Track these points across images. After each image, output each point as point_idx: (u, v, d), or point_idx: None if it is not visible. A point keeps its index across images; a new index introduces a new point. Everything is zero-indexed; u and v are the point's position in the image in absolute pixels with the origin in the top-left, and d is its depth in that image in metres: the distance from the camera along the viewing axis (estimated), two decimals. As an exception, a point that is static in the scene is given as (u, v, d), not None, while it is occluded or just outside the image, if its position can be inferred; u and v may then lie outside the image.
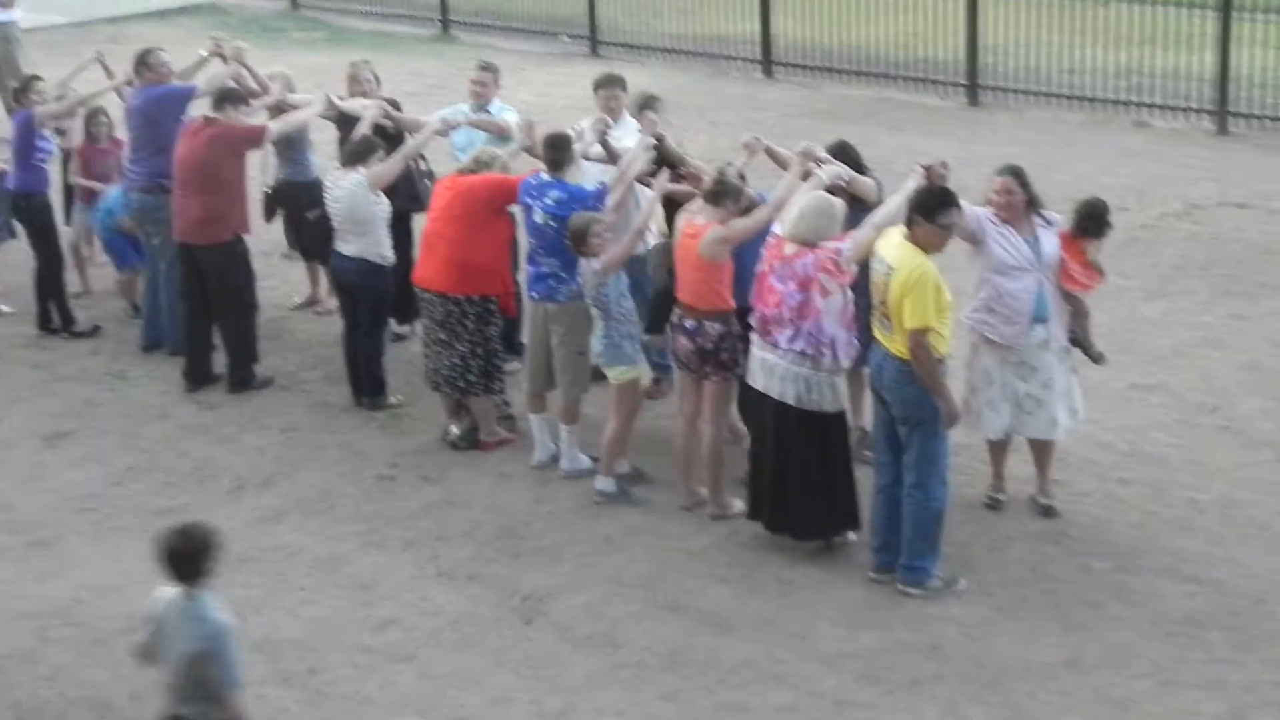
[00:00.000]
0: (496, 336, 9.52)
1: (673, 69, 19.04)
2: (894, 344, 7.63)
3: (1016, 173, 8.35)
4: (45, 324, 11.53)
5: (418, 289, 9.65)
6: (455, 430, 9.61)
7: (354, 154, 9.89)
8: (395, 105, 10.99)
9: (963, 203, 8.04)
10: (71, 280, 11.97)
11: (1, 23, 17.27)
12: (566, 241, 8.86)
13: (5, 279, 12.18)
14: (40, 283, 11.53)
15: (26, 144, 11.29)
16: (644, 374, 9.11)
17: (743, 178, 8.51)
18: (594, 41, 20.24)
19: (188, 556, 5.76)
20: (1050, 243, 8.30)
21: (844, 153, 8.89)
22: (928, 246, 7.58)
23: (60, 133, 11.99)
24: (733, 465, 8.58)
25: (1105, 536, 8.31)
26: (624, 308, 8.69)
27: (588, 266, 8.63)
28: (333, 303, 11.31)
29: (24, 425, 10.08)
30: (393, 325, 10.75)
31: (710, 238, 8.28)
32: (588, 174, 9.46)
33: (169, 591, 5.82)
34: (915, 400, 7.63)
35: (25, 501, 9.07)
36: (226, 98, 10.44)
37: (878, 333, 7.79)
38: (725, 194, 8.33)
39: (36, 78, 11.79)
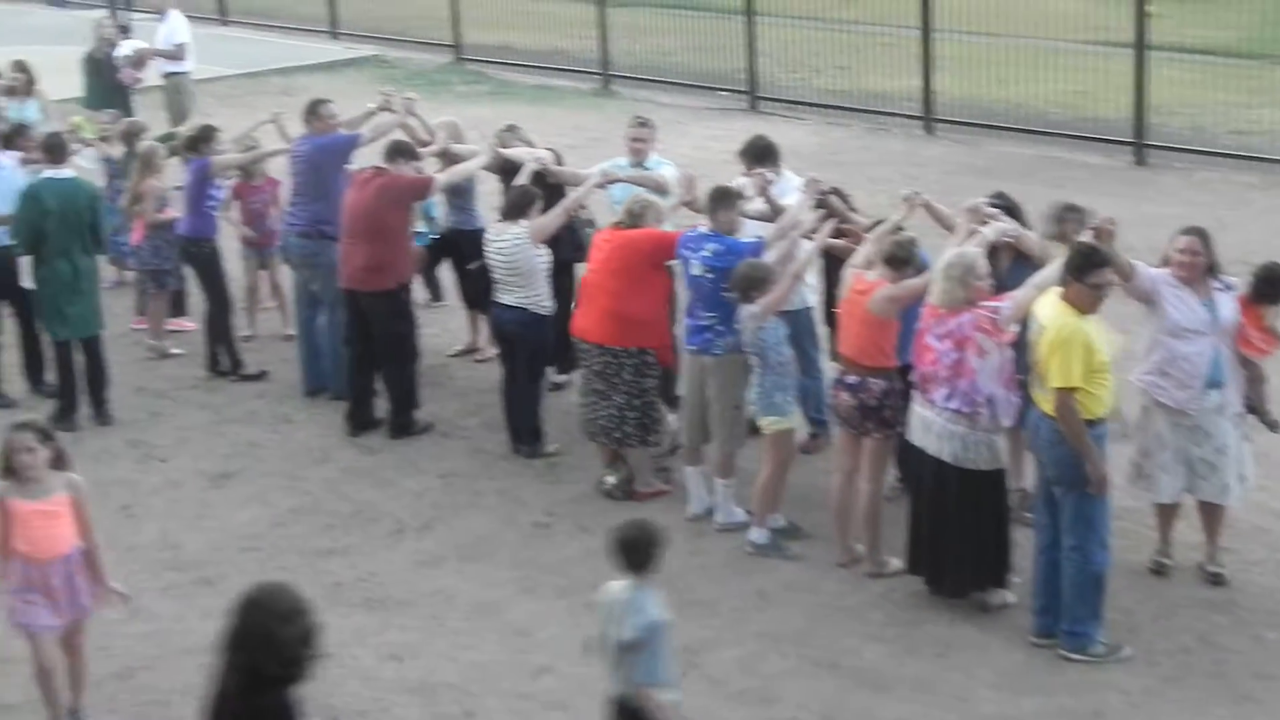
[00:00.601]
0: (654, 388, 9.55)
1: (831, 125, 19.02)
2: (1047, 403, 7.54)
3: (1201, 234, 8.19)
4: (214, 366, 11.79)
5: (576, 339, 9.73)
6: (611, 480, 9.64)
7: (515, 206, 10.01)
8: (557, 158, 11.12)
9: (1138, 263, 7.93)
10: (240, 324, 12.23)
11: (173, 73, 17.73)
12: (724, 294, 8.91)
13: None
14: (210, 326, 11.81)
15: (200, 191, 11.60)
16: (797, 425, 9.07)
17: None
18: (753, 97, 20.30)
19: (639, 546, 6.14)
20: (1228, 307, 8.13)
21: (1004, 206, 8.82)
22: (1080, 306, 7.48)
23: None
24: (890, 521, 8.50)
25: (1277, 607, 8.08)
26: (781, 356, 8.68)
27: (746, 312, 8.65)
28: (492, 351, 11.44)
29: (191, 465, 10.31)
30: (551, 374, 10.85)
31: (881, 295, 8.27)
32: (746, 230, 9.48)
33: (617, 584, 6.18)
34: (1067, 461, 7.52)
35: (192, 540, 9.26)
36: (399, 152, 10.64)
37: (1034, 392, 7.70)
38: (908, 263, 8.33)
39: (214, 128, 12.09)
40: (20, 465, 6.98)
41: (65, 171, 10.89)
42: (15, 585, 7.12)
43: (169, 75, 17.64)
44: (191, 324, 12.44)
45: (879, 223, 9.03)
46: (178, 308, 12.56)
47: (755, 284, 8.63)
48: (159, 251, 11.98)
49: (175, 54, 17.55)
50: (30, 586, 7.08)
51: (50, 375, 11.17)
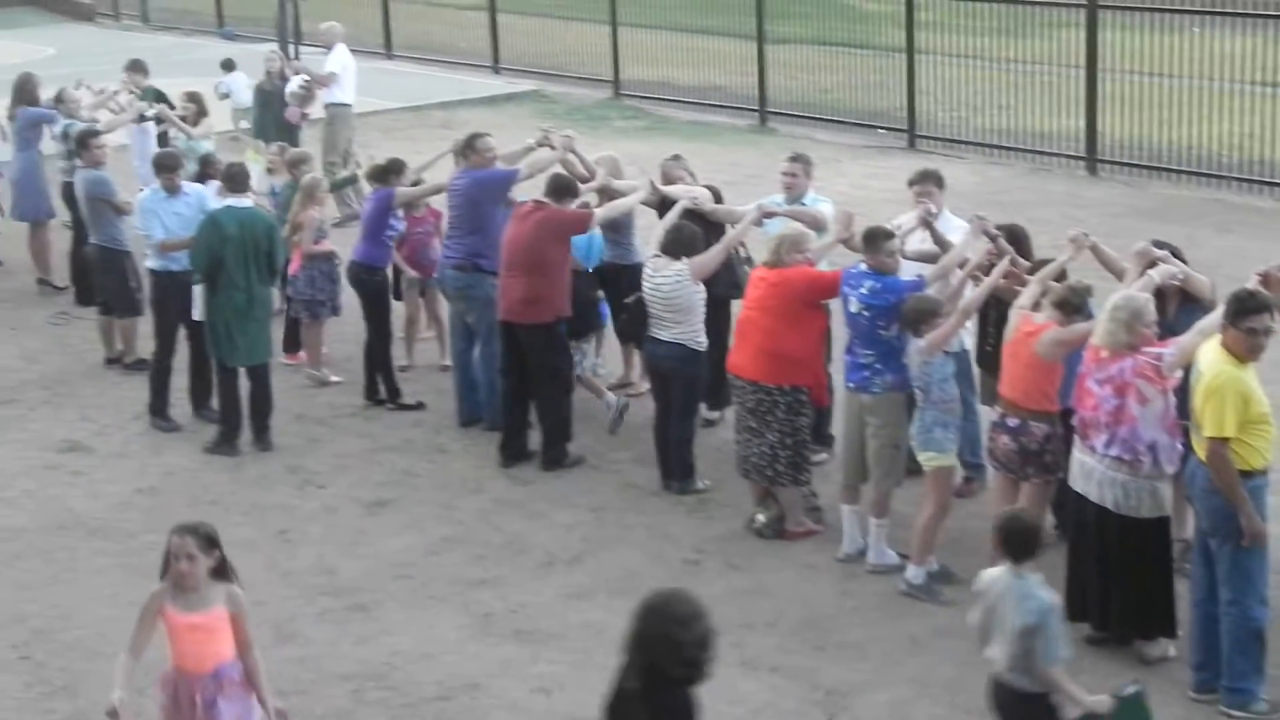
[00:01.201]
0: (806, 427, 9.49)
1: (992, 164, 18.83)
2: (1203, 451, 7.36)
3: None
4: (372, 395, 11.96)
5: (730, 375, 9.72)
6: (762, 518, 9.59)
7: (677, 243, 10.01)
8: (716, 194, 11.13)
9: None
10: (399, 354, 12.40)
11: (333, 104, 18.04)
12: (881, 332, 8.84)
13: (335, 350, 12.70)
14: (370, 355, 11.98)
15: (381, 221, 11.79)
16: (955, 466, 8.97)
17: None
18: (911, 135, 20.16)
19: (1023, 537, 6.43)
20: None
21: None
22: (1238, 353, 7.29)
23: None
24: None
25: None
26: (946, 393, 8.60)
27: (914, 346, 8.57)
28: (644, 385, 11.47)
29: (347, 492, 10.45)
30: (704, 410, 10.83)
31: (1049, 338, 8.16)
32: (905, 270, 9.40)
33: (995, 572, 6.50)
34: (1222, 512, 7.34)
35: (347, 566, 9.38)
36: (560, 189, 10.72)
37: (1193, 438, 7.53)
38: (1080, 310, 8.21)
39: (403, 161, 12.27)
40: (178, 574, 6.42)
41: (244, 201, 11.15)
42: (159, 693, 6.63)
43: (328, 106, 17.97)
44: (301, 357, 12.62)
45: (1042, 264, 8.90)
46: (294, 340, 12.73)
47: (923, 317, 8.59)
48: (314, 282, 12.20)
49: (326, 80, 17.86)
50: (173, 699, 6.52)
51: (215, 401, 11.40)
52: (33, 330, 13.93)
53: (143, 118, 15.29)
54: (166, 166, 11.85)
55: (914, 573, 8.75)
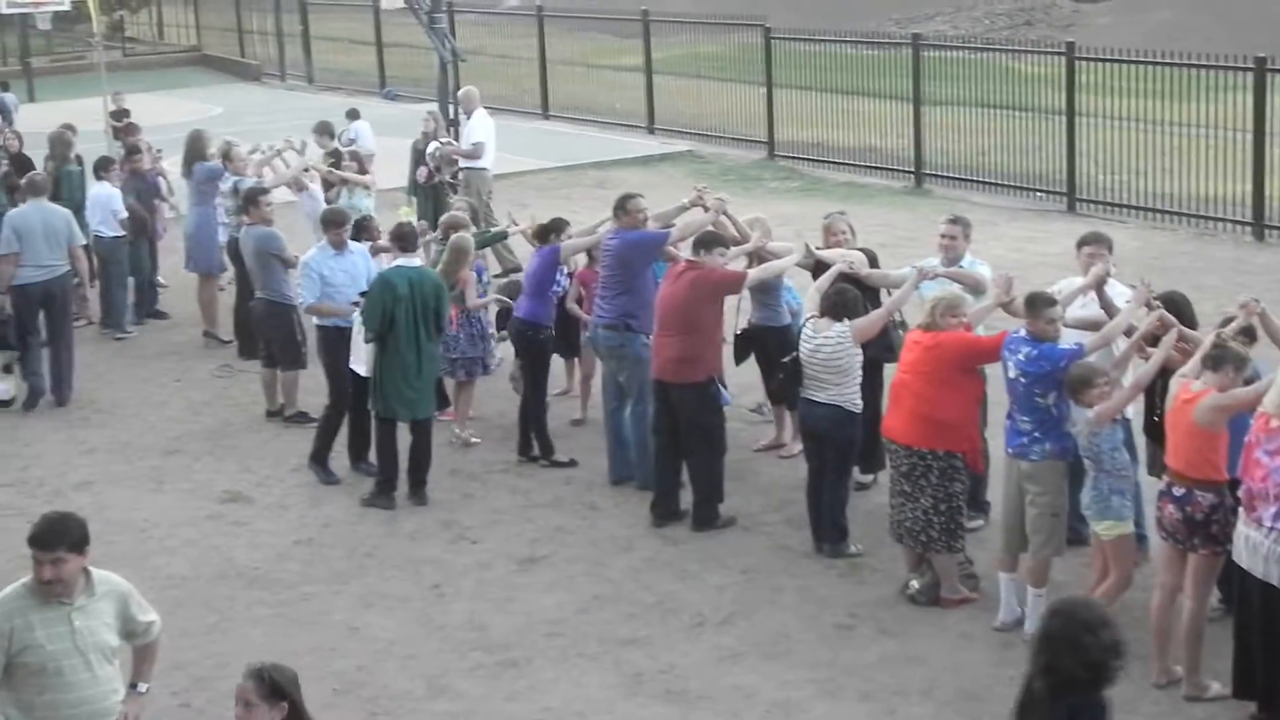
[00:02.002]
0: (961, 493, 9.36)
1: (1154, 229, 18.52)
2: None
3: None
4: (525, 451, 12.04)
5: (885, 439, 9.63)
6: (916, 584, 9.47)
7: (840, 305, 9.96)
8: (871, 257, 11.07)
9: None
10: (574, 409, 12.52)
11: (470, 168, 18.18)
12: (1038, 399, 8.71)
13: (488, 406, 12.81)
14: (523, 411, 12.07)
15: (547, 277, 11.92)
16: (1134, 533, 8.78)
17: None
18: (1071, 198, 19.91)
19: None
20: None
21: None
22: None
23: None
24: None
25: None
26: (1118, 461, 8.45)
27: (1081, 415, 8.43)
28: (797, 447, 11.41)
29: (499, 548, 10.52)
30: (857, 474, 10.74)
31: (1207, 404, 7.96)
32: (1065, 336, 9.26)
33: None
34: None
35: (498, 622, 9.43)
36: (707, 242, 10.75)
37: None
38: (1225, 359, 8.00)
39: (565, 220, 12.41)
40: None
41: (414, 260, 11.33)
42: None
43: (465, 169, 18.16)
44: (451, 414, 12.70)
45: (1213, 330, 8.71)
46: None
47: (1085, 385, 8.43)
48: (474, 341, 12.33)
49: (473, 153, 18.07)
50: None
51: (372, 455, 11.56)
52: (197, 382, 14.27)
53: (300, 183, 15.63)
54: (334, 223, 12.12)
55: None
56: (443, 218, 13.82)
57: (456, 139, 18.91)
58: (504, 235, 13.30)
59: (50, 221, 13.82)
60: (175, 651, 8.99)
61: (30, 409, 13.73)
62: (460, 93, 19.61)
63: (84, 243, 14.29)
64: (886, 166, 22.55)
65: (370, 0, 31.29)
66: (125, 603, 6.47)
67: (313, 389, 12.61)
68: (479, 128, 18.30)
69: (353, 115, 21.25)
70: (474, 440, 12.42)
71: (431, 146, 17.65)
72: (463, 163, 18.07)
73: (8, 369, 14.09)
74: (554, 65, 29.26)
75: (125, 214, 15.41)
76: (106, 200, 15.45)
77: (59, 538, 6.20)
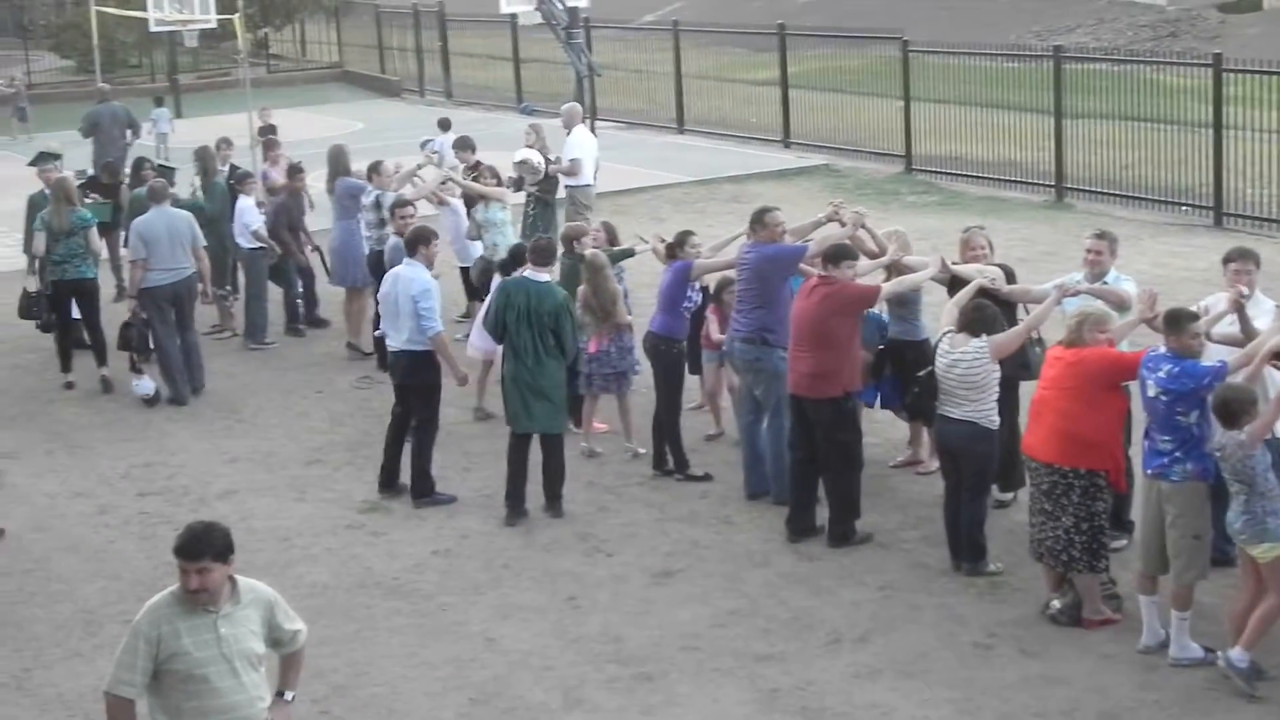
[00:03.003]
0: (1104, 512, 9.20)
1: (1304, 243, 18.10)
2: None
3: None
4: (660, 465, 12.05)
5: (1025, 457, 9.51)
6: (1057, 604, 9.32)
7: (978, 321, 9.86)
8: (1008, 273, 10.94)
9: None
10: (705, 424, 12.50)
11: (572, 186, 18.21)
12: (1179, 418, 8.54)
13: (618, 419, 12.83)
14: (658, 425, 12.08)
15: (679, 292, 11.92)
16: None
17: None
18: (1218, 212, 19.51)
19: None
20: None
21: None
22: None
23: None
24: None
25: None
26: (1270, 482, 8.25)
27: (1231, 439, 8.25)
28: (934, 464, 11.30)
29: (635, 561, 10.53)
30: (995, 492, 10.61)
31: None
32: (1210, 352, 9.07)
33: None
34: None
35: (634, 635, 9.44)
36: (838, 255, 10.68)
37: None
38: None
39: (692, 232, 12.42)
40: None
41: (543, 275, 11.35)
42: None
43: (568, 188, 18.20)
44: (604, 426, 12.77)
45: None
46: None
47: (1242, 410, 8.23)
48: (624, 353, 12.35)
49: (571, 169, 18.10)
50: None
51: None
52: (339, 394, 14.48)
53: (441, 199, 15.80)
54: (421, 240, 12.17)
55: (1239, 655, 8.35)
56: (564, 228, 13.87)
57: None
58: (630, 253, 13.34)
59: (174, 225, 14.41)
60: (316, 659, 9.09)
61: (152, 405, 14.28)
62: (563, 109, 19.70)
63: (204, 244, 14.78)
64: (1027, 180, 22.28)
65: (508, 16, 31.58)
66: (271, 610, 6.57)
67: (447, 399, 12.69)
68: (576, 144, 18.36)
69: (444, 125, 21.47)
70: (640, 450, 12.36)
71: (519, 155, 17.64)
72: (564, 180, 18.05)
73: (137, 369, 14.53)
74: (689, 79, 29.31)
75: (256, 227, 15.76)
76: (238, 214, 15.84)
77: (204, 547, 6.30)
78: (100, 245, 15.18)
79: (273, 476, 12.48)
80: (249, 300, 16.25)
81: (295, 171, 16.64)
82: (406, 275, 11.64)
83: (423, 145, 20.90)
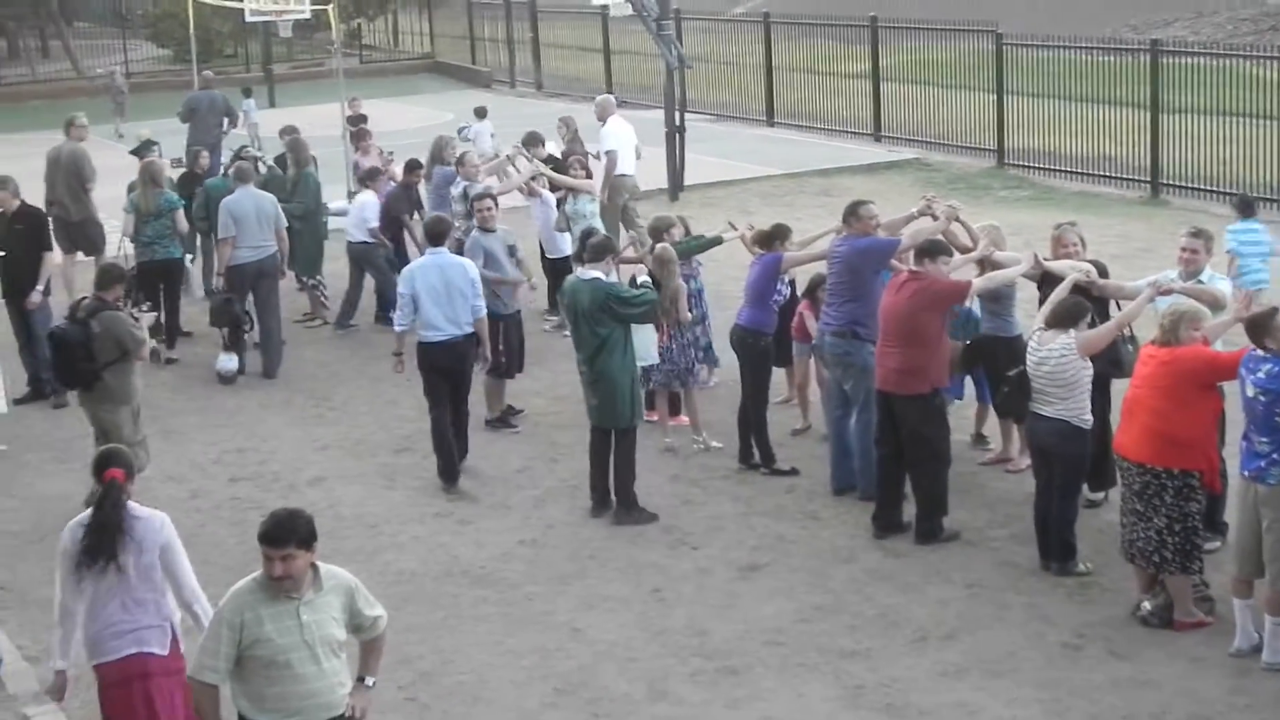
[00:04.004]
0: (1197, 513, 9.08)
1: None
2: None
3: None
4: (746, 459, 12.03)
5: (1117, 456, 9.40)
6: (1148, 606, 9.20)
7: (1063, 316, 9.77)
8: (1101, 269, 10.81)
9: None
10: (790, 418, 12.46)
11: (616, 177, 18.13)
12: (1277, 419, 8.42)
13: (707, 413, 12.80)
14: (743, 418, 12.05)
15: (768, 286, 11.88)
16: None
17: None
18: (1317, 209, 19.18)
19: None
20: None
21: None
22: None
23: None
24: None
25: None
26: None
27: None
28: (1024, 462, 11.20)
29: (721, 555, 10.52)
30: (1086, 491, 10.50)
31: None
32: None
33: None
34: None
35: (719, 628, 9.43)
36: (930, 250, 10.61)
37: None
38: None
39: (787, 226, 12.33)
40: None
41: (592, 271, 11.28)
42: None
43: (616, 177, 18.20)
44: (684, 419, 12.75)
45: None
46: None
47: None
48: (685, 350, 12.36)
49: (608, 162, 18.09)
50: None
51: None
52: (427, 382, 14.56)
53: (532, 190, 15.84)
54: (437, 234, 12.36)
55: None
56: (652, 219, 13.87)
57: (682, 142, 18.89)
58: (719, 241, 13.28)
59: (261, 205, 14.94)
60: (402, 646, 9.19)
61: (229, 383, 14.70)
62: (598, 100, 19.78)
63: (286, 225, 15.18)
64: (1121, 176, 22.00)
65: (599, 8, 31.61)
66: (352, 597, 6.60)
67: (515, 391, 12.75)
68: (611, 135, 18.39)
69: (480, 114, 21.48)
70: (714, 444, 12.35)
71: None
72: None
73: (229, 346, 14.86)
74: (779, 72, 29.20)
75: (375, 224, 15.89)
76: (360, 208, 16.00)
77: (288, 534, 6.35)
78: (185, 226, 15.48)
79: (362, 464, 12.59)
80: (351, 288, 16.43)
81: (414, 167, 16.71)
82: (453, 262, 12.04)
83: (459, 131, 21.01)
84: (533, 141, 17.02)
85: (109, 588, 7.20)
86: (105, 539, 7.14)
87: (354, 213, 16.23)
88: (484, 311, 12.05)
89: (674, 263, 12.11)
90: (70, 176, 16.89)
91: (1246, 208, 14.54)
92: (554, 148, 17.57)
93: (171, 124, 23.70)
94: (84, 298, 11.56)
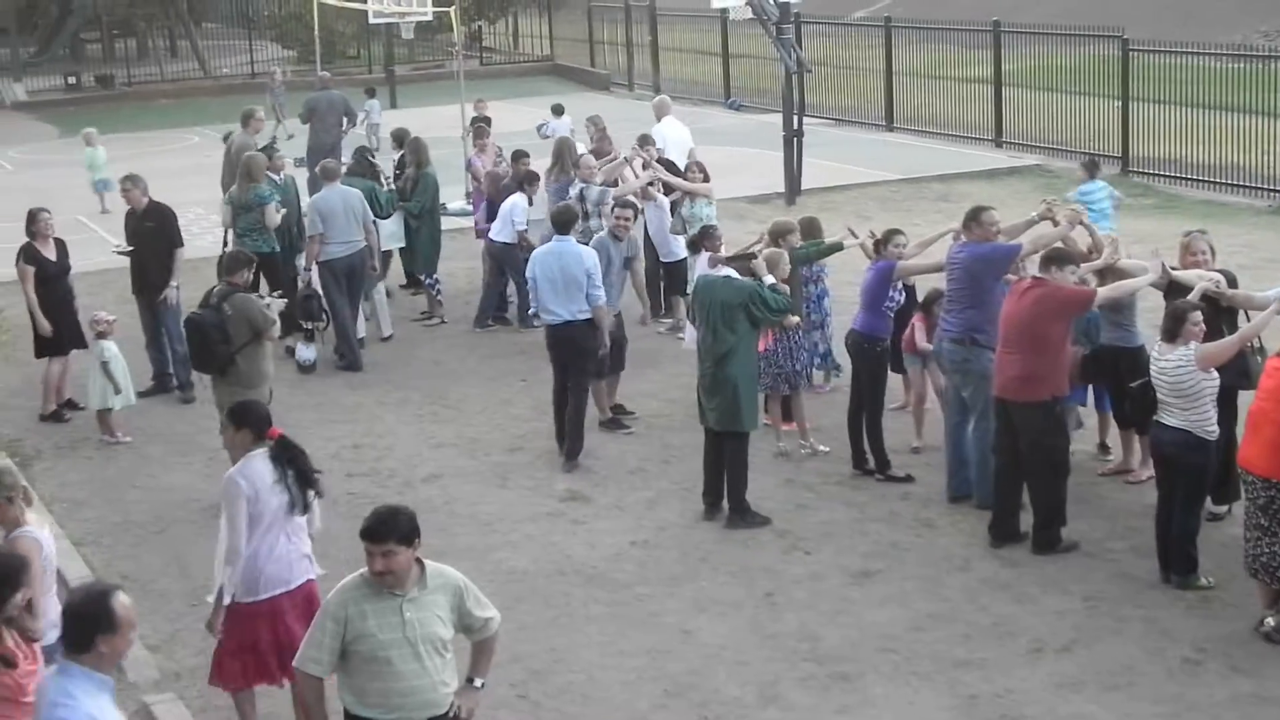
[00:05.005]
0: (1324, 529, 8.88)
1: None
2: None
3: None
4: (859, 464, 11.94)
5: (1241, 470, 9.21)
6: (1272, 622, 9.01)
7: (1170, 329, 9.60)
8: (1230, 279, 10.61)
9: None
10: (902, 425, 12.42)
11: None
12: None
13: (827, 418, 12.74)
14: (854, 423, 11.94)
15: (881, 291, 11.81)
16: None
17: None
18: None
19: None
20: None
21: None
22: None
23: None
24: None
25: None
26: None
27: None
28: (1145, 473, 11.02)
29: (833, 560, 10.45)
30: (1209, 505, 10.30)
31: None
32: None
33: None
34: None
35: (830, 634, 9.37)
36: (1058, 259, 10.47)
37: None
38: None
39: (898, 231, 12.26)
40: None
41: (721, 271, 11.26)
42: None
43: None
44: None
45: None
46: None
47: None
48: (792, 354, 12.29)
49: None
50: None
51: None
52: (543, 383, 14.53)
53: (649, 193, 15.84)
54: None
55: None
56: (772, 224, 13.82)
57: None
58: (839, 247, 13.20)
59: (349, 202, 15.22)
60: (514, 644, 9.24)
61: (308, 372, 15.10)
62: (654, 101, 19.81)
63: (373, 219, 15.44)
64: (1250, 185, 21.58)
65: (719, 11, 31.56)
66: (460, 596, 6.59)
67: (628, 393, 12.71)
68: (658, 135, 18.25)
69: (557, 111, 21.27)
70: (821, 449, 12.31)
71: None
72: None
73: (310, 337, 15.15)
74: (900, 76, 28.99)
75: (524, 227, 15.92)
76: (509, 210, 16.06)
77: (389, 530, 6.38)
78: (276, 220, 15.59)
79: (476, 462, 12.67)
80: (488, 286, 16.53)
81: (533, 178, 16.71)
82: (572, 250, 12.47)
83: (538, 129, 21.01)
84: (645, 142, 17.03)
85: (279, 526, 7.96)
86: (304, 488, 8.01)
87: (503, 213, 16.22)
88: (601, 300, 12.34)
89: (783, 265, 12.08)
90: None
91: (1093, 168, 16.82)
92: (582, 147, 17.50)
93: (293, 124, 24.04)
94: (215, 285, 11.86)
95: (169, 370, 14.52)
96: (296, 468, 7.98)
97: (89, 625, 5.60)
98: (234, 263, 11.89)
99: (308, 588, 8.08)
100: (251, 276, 12.05)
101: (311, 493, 8.06)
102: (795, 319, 12.25)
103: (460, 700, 6.64)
